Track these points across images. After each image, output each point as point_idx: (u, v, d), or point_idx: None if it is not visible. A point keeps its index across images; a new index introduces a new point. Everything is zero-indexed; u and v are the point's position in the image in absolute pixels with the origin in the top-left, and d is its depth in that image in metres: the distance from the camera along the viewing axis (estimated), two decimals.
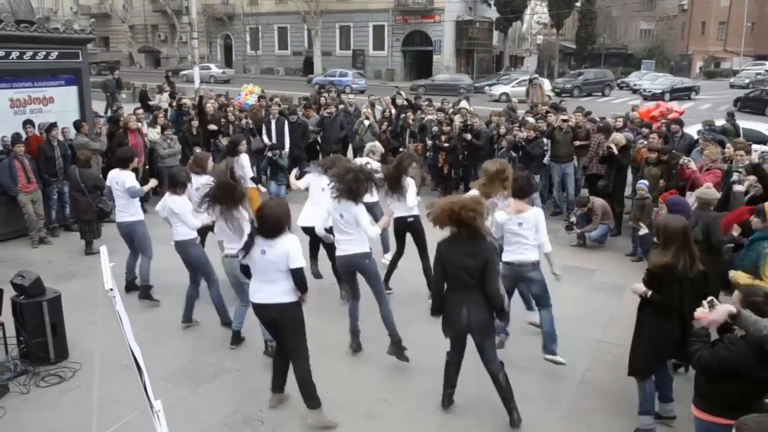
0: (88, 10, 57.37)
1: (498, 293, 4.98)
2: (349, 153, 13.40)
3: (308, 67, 48.68)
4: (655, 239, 5.09)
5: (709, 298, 4.10)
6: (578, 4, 54.42)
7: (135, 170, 8.75)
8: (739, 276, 5.24)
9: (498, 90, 35.42)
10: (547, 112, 13.21)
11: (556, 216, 11.55)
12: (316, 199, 7.43)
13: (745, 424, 2.80)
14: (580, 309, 7.64)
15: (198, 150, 11.28)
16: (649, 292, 4.98)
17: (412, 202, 7.41)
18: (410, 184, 7.47)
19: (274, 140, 12.75)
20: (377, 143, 9.80)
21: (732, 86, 44.09)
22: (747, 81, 44.31)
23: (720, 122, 13.33)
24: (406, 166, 7.47)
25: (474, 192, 6.47)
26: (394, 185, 7.41)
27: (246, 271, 5.21)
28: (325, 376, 5.89)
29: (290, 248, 4.94)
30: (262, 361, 6.16)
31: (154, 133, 12.17)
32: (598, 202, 10.12)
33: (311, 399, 5.19)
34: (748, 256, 5.56)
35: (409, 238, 7.77)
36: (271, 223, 4.90)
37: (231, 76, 45.57)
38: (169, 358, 6.27)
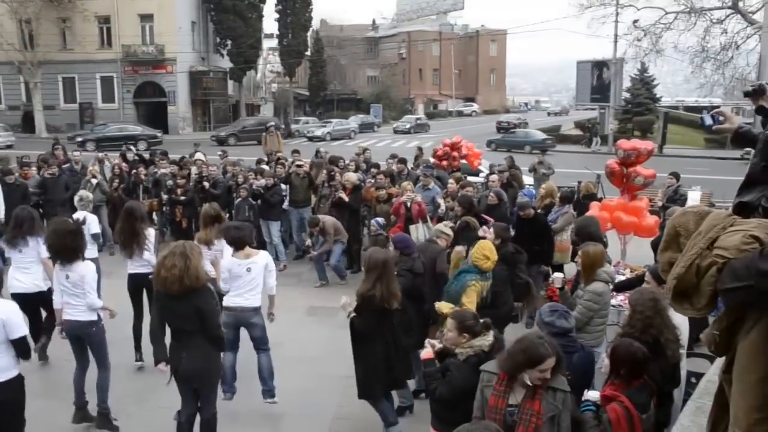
0: None
1: (219, 331, 5.00)
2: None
3: (28, 122, 44.21)
4: None
5: (428, 341, 4.45)
6: (308, 53, 56.96)
7: None
8: (443, 306, 5.47)
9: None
10: (278, 159, 13.51)
11: (298, 260, 11.77)
12: (18, 263, 6.79)
13: None
14: (328, 348, 7.79)
15: None
16: (352, 314, 5.25)
17: (149, 256, 7.00)
18: (149, 235, 7.13)
19: None
20: (84, 192, 9.18)
21: (396, 131, 48.45)
22: (408, 126, 49.05)
23: None
24: (137, 218, 7.12)
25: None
26: (129, 241, 7.02)
27: None
28: None
29: (10, 316, 4.38)
30: None
31: None
32: (329, 220, 10.27)
33: None
34: (453, 287, 5.84)
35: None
36: None
37: None
38: None
